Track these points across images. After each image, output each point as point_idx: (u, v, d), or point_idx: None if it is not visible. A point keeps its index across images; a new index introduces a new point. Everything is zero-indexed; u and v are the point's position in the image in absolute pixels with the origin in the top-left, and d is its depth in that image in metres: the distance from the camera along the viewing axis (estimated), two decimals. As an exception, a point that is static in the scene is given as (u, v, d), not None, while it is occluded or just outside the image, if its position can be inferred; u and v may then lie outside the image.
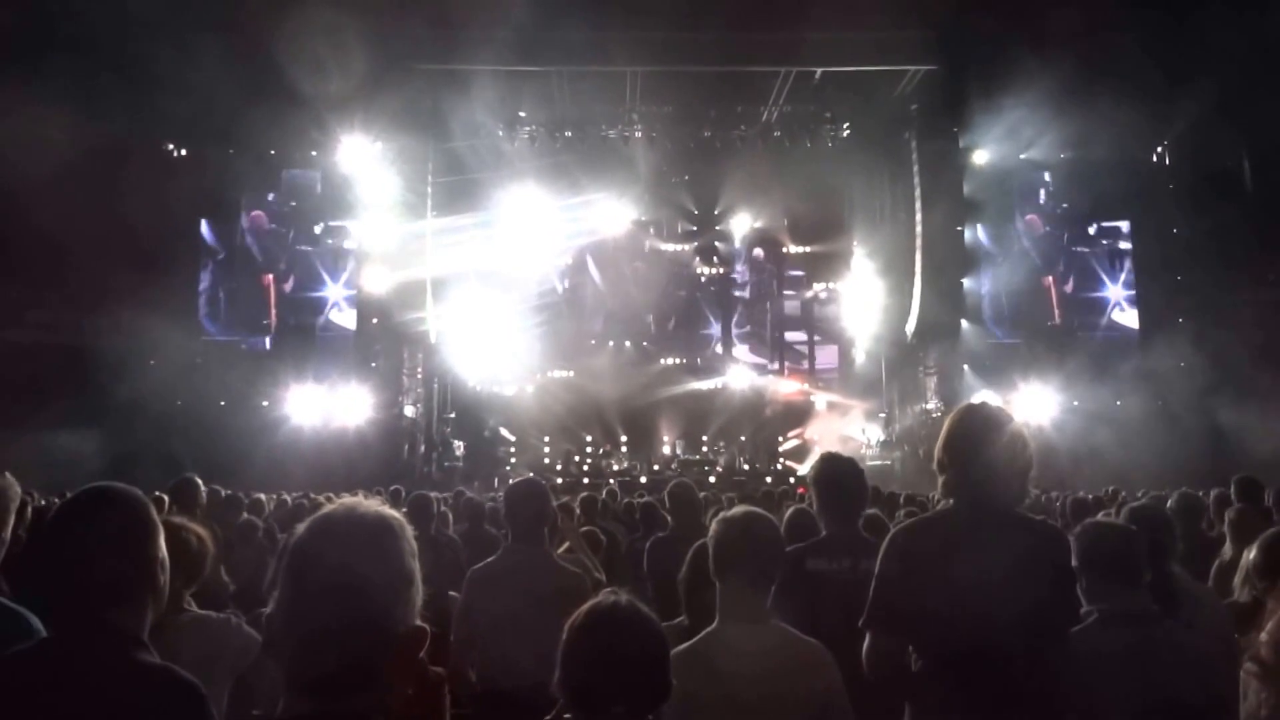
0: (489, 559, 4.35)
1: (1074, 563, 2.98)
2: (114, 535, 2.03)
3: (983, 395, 23.27)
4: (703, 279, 29.07)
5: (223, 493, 8.57)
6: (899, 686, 2.95)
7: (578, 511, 8.13)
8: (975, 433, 2.94)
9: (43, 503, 9.36)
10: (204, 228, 25.31)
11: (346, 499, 1.68)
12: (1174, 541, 3.82)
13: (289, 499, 12.19)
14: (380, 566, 1.58)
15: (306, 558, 1.58)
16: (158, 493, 9.36)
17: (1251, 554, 3.28)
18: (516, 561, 4.22)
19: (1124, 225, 26.08)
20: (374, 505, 1.66)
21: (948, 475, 2.99)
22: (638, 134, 24.66)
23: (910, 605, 2.86)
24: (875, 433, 26.26)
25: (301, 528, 1.63)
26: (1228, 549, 4.89)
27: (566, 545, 6.19)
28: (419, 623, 1.62)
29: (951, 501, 3.02)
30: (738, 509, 3.15)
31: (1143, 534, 3.44)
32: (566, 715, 2.01)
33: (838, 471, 4.04)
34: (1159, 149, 25.17)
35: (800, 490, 16.59)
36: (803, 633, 2.94)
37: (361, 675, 1.55)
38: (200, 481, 6.18)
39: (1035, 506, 8.87)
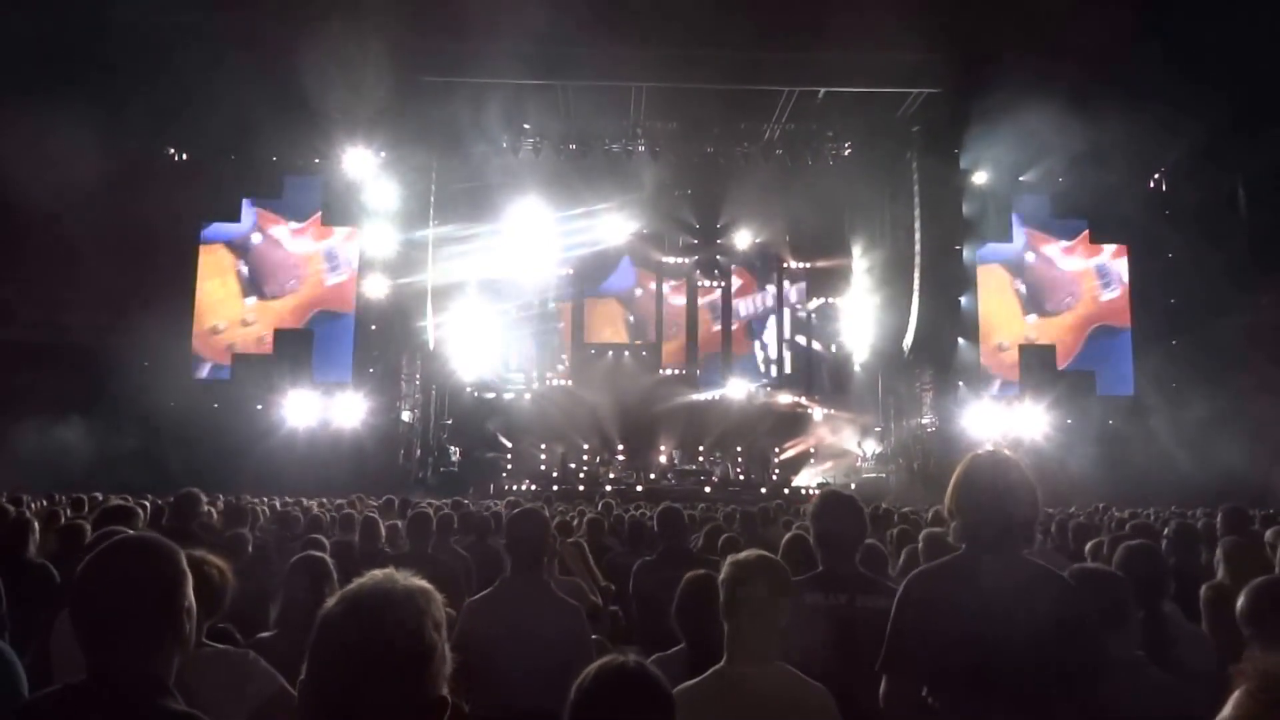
0: (486, 591, 4.38)
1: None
2: (145, 586, 2.09)
3: (979, 413, 23.40)
4: (703, 292, 29.16)
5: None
6: None
7: (575, 526, 8.17)
8: (983, 481, 3.04)
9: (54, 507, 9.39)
10: (204, 231, 25.34)
11: (376, 572, 1.75)
12: (1168, 580, 3.87)
13: (278, 504, 12.19)
14: (405, 641, 1.65)
15: (335, 632, 1.66)
16: (150, 499, 9.44)
17: (1239, 599, 3.32)
18: (515, 593, 4.24)
19: (1120, 249, 26.26)
20: (403, 578, 1.73)
21: (958, 522, 3.11)
22: (641, 148, 24.74)
23: (924, 649, 2.96)
24: (871, 446, 26.35)
25: (332, 600, 1.72)
26: (1221, 580, 4.89)
27: (561, 562, 6.22)
28: (443, 693, 1.69)
29: (963, 547, 3.13)
30: (749, 552, 3.21)
31: (1134, 577, 3.49)
32: None
33: (836, 507, 4.06)
34: (1156, 175, 25.34)
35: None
36: (799, 667, 3.00)
37: None
38: (199, 495, 6.16)
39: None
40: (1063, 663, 2.80)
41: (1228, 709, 1.45)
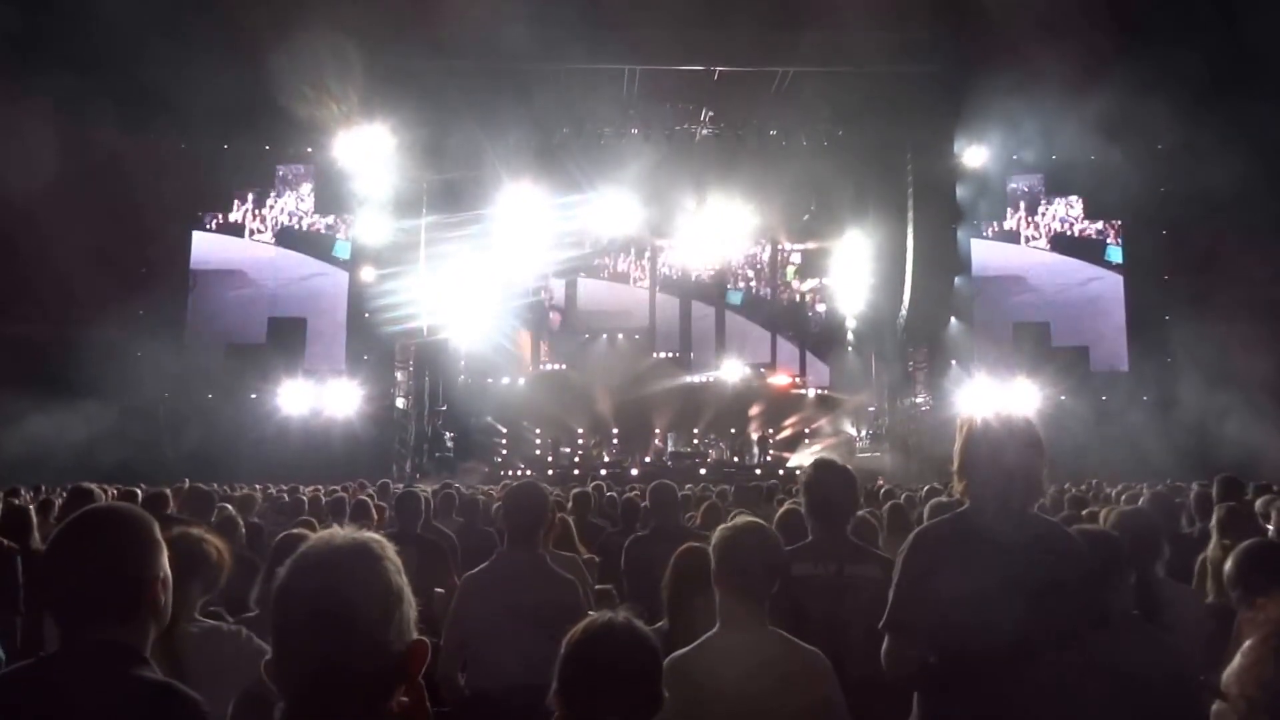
0: (483, 565, 4.35)
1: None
2: (113, 556, 2.05)
3: (973, 392, 23.39)
4: (696, 275, 29.09)
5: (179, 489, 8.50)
6: (918, 686, 3.03)
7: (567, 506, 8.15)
8: (991, 438, 3.04)
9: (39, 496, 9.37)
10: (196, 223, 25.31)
11: (322, 532, 1.71)
12: (1160, 545, 3.87)
13: (275, 491, 12.21)
14: (364, 592, 1.60)
15: (290, 598, 1.62)
16: (142, 486, 9.41)
17: (1227, 563, 3.33)
18: (511, 568, 4.22)
19: (1115, 225, 26.25)
20: (349, 533, 1.68)
21: (965, 479, 3.10)
22: (634, 131, 24.62)
23: (928, 606, 2.94)
24: (866, 426, 26.37)
25: (283, 569, 1.66)
26: (1214, 547, 4.92)
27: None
28: (418, 636, 1.66)
29: (969, 503, 3.12)
30: (740, 519, 3.19)
31: (1128, 539, 3.49)
32: None
33: (828, 478, 4.04)
34: (1150, 150, 25.25)
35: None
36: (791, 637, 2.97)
37: (360, 703, 1.59)
38: (214, 491, 6.15)
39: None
40: (1064, 615, 2.79)
41: (1239, 657, 1.44)
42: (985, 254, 26.35)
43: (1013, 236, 26.52)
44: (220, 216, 25.43)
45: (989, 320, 26.00)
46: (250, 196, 25.49)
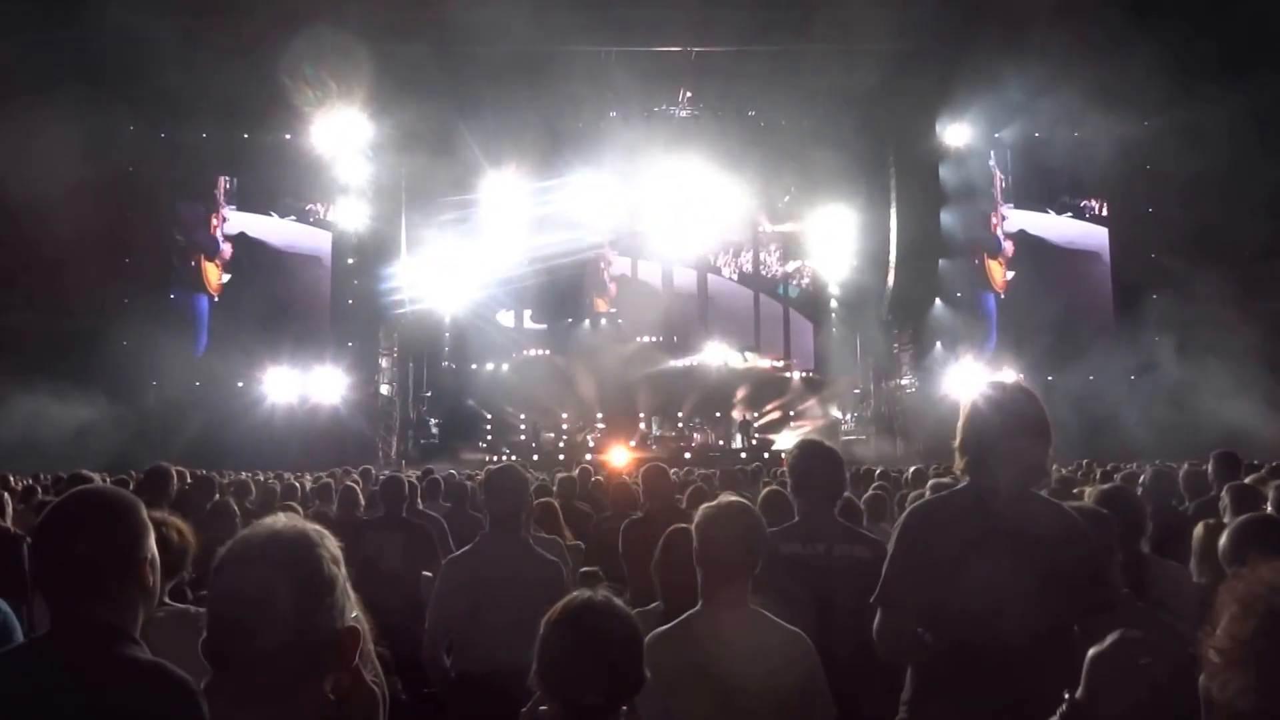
0: (465, 548, 4.35)
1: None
2: (101, 537, 2.06)
3: (958, 372, 23.43)
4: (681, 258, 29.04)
5: (188, 475, 8.45)
6: (911, 662, 2.99)
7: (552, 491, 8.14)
8: (993, 413, 2.95)
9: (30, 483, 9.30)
10: (180, 212, 25.12)
11: (266, 519, 1.73)
12: (1144, 522, 3.85)
13: (263, 478, 12.18)
14: (292, 578, 1.62)
15: (221, 580, 1.64)
16: (131, 473, 9.34)
17: (1221, 539, 3.32)
18: (494, 550, 4.22)
19: (1100, 204, 26.27)
20: (290, 520, 1.71)
21: (966, 456, 3.01)
22: (613, 114, 24.49)
23: (923, 582, 2.89)
24: (851, 408, 26.40)
25: (221, 550, 1.68)
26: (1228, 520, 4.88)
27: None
28: (350, 624, 1.68)
29: (967, 480, 3.04)
30: (723, 498, 3.17)
31: (1114, 517, 3.48)
32: (543, 707, 2.06)
33: (815, 457, 4.01)
34: (1136, 128, 25.27)
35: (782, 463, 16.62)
36: (775, 617, 2.96)
37: (285, 685, 1.61)
38: (171, 469, 6.13)
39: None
40: (1070, 594, 2.77)
41: (1222, 624, 1.44)
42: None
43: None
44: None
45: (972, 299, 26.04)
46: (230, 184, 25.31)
